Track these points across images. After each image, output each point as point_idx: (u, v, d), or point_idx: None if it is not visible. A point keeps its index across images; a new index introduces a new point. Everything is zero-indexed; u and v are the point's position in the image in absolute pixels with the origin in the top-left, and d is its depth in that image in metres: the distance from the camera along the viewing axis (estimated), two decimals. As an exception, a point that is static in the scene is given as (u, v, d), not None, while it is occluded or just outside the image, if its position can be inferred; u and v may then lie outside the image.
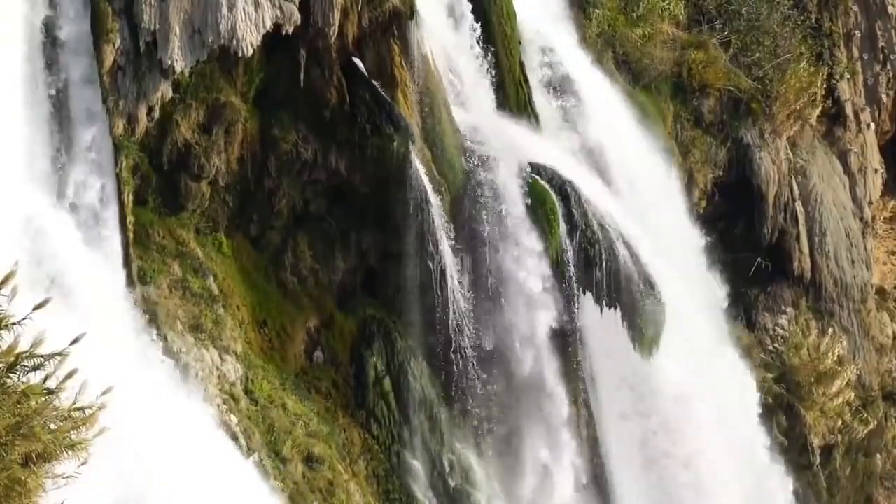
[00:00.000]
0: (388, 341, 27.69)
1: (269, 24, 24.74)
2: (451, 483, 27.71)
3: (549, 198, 28.05)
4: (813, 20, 36.54)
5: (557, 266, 27.99)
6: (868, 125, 38.57)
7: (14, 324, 11.63)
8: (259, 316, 27.03)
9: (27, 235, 22.17)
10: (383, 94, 26.46)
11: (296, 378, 27.22)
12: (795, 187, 35.72)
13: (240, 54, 24.74)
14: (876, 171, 39.03)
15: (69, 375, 11.55)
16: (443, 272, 26.81)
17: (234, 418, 25.10)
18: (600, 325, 29.07)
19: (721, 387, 31.05)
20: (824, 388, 35.34)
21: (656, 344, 28.91)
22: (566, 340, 28.52)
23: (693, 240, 33.11)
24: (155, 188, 25.63)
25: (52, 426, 11.55)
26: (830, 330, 36.14)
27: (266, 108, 26.34)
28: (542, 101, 30.35)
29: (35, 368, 11.86)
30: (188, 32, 24.21)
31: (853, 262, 36.68)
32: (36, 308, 11.79)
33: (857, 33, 38.14)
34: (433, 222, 26.67)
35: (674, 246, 31.18)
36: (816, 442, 35.08)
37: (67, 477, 11.80)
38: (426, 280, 26.89)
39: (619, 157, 31.02)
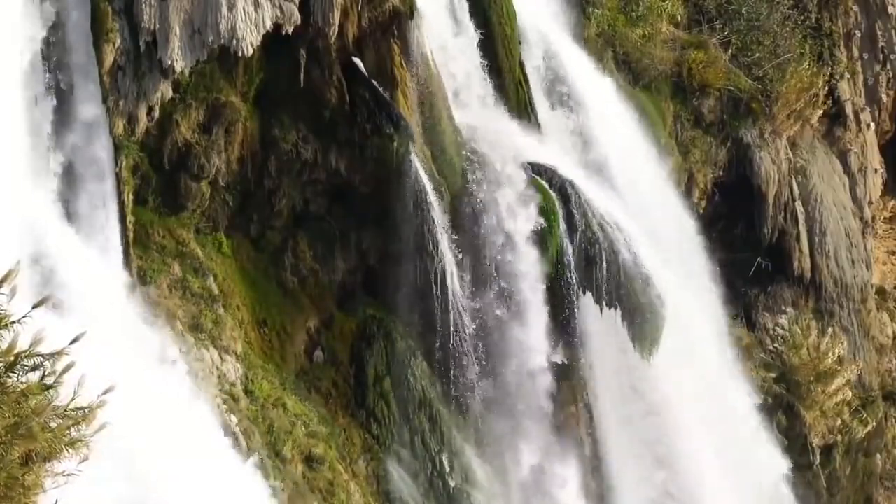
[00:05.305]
0: (388, 341, 27.70)
1: (269, 24, 24.75)
2: (451, 483, 27.72)
3: (549, 198, 28.05)
4: (813, 20, 36.52)
5: (557, 266, 27.98)
6: (868, 125, 38.54)
7: (13, 322, 11.62)
8: (259, 316, 27.05)
9: (26, 234, 22.18)
10: (383, 94, 26.46)
11: (296, 378, 27.23)
12: (795, 187, 35.70)
13: (240, 54, 24.76)
14: (876, 171, 39.00)
15: (66, 370, 11.55)
16: (443, 272, 26.81)
17: (234, 418, 25.10)
18: (601, 324, 29.07)
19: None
20: (824, 386, 35.33)
21: (656, 344, 28.87)
22: (566, 340, 28.52)
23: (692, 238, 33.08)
24: (155, 188, 25.65)
25: (52, 424, 11.56)
26: (830, 330, 36.12)
27: (266, 108, 26.35)
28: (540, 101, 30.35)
29: (34, 368, 11.85)
30: (188, 32, 24.22)
31: (853, 262, 36.66)
32: (35, 307, 11.78)
33: (857, 33, 38.11)
34: (433, 222, 26.67)
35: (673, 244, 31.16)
36: (816, 442, 35.06)
37: (68, 475, 11.81)
38: (426, 280, 26.90)
39: (620, 157, 31.00)
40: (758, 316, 35.71)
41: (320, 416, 26.95)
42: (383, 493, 27.33)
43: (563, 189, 28.26)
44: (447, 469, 27.73)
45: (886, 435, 37.52)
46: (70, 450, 11.62)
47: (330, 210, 27.44)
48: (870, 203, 38.79)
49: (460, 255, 27.30)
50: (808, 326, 35.89)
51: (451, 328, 27.15)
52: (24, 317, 11.77)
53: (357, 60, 26.53)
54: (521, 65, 29.51)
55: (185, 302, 25.64)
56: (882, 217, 40.44)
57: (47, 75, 23.71)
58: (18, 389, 11.67)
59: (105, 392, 12.09)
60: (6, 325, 11.75)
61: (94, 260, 23.81)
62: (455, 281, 27.06)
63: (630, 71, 33.26)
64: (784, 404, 34.57)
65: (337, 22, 25.58)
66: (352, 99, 26.44)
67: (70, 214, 23.93)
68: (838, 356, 36.05)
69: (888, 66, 38.76)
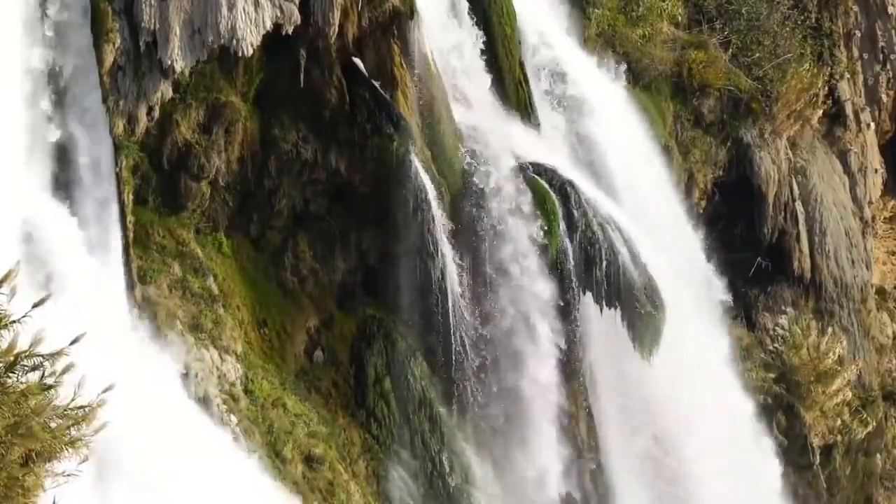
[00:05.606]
0: (388, 341, 27.70)
1: (269, 24, 24.75)
2: (451, 483, 27.71)
3: (549, 198, 28.05)
4: (813, 20, 36.51)
5: (557, 266, 27.98)
6: (868, 125, 38.54)
7: (13, 322, 11.62)
8: (259, 316, 27.05)
9: (26, 235, 22.19)
10: (383, 94, 26.46)
11: (296, 378, 27.24)
12: (795, 187, 35.70)
13: (240, 54, 24.75)
14: (876, 171, 39.00)
15: (66, 370, 11.56)
16: (443, 272, 26.82)
17: (234, 418, 25.11)
18: (601, 325, 29.08)
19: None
20: (824, 386, 35.32)
21: (656, 344, 28.85)
22: (566, 339, 28.52)
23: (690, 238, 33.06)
24: (155, 188, 25.65)
25: (52, 424, 11.57)
26: (830, 330, 36.11)
27: (266, 108, 26.36)
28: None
29: (34, 368, 11.85)
30: (188, 32, 24.22)
31: (853, 262, 36.66)
32: (35, 306, 11.78)
33: (857, 33, 38.10)
34: (433, 222, 26.67)
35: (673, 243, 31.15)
36: (816, 442, 35.06)
37: (68, 475, 11.81)
38: (426, 280, 26.90)
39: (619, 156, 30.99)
40: (758, 316, 35.71)
41: (320, 416, 26.95)
42: (383, 493, 27.33)
43: (563, 189, 28.26)
44: (447, 469, 27.72)
45: (886, 435, 37.52)
46: (70, 450, 11.62)
47: (330, 210, 27.45)
48: (870, 203, 38.79)
49: (460, 255, 27.31)
50: (808, 326, 35.88)
51: (451, 328, 27.15)
52: (23, 316, 11.77)
53: (357, 60, 26.53)
54: (522, 65, 29.50)
55: (185, 302, 25.64)
56: (882, 217, 40.45)
57: (47, 75, 23.78)
58: (18, 389, 11.67)
59: (105, 391, 12.09)
60: (6, 325, 11.75)
61: (92, 259, 23.80)
62: (455, 281, 27.06)
63: (630, 71, 33.26)
64: (784, 404, 34.55)
65: (337, 22, 25.58)
66: (352, 99, 26.44)
67: (69, 213, 23.93)
68: (838, 356, 36.04)
69: (888, 66, 38.76)
